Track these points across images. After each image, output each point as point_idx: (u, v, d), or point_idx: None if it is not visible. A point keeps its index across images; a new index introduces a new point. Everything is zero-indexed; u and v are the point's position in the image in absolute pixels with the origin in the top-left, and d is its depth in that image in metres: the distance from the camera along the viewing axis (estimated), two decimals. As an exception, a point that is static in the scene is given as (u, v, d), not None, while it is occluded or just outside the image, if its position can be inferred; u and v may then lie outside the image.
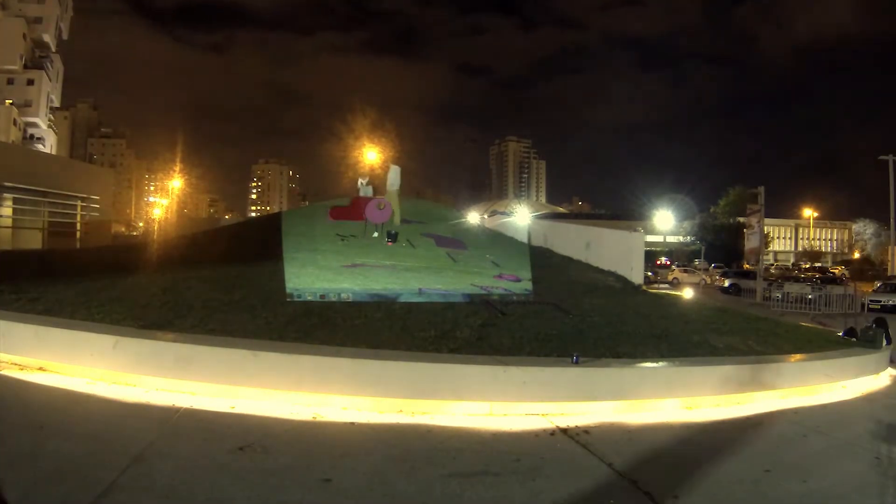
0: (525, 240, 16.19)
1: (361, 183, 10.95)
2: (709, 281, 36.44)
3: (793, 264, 62.53)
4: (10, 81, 42.01)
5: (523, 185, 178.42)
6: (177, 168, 52.58)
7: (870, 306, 18.45)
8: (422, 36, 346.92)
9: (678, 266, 42.32)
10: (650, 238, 47.08)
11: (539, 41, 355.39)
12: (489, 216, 34.58)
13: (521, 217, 24.92)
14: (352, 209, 10.87)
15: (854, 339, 8.38)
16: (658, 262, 44.28)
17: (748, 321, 9.18)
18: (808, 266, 56.12)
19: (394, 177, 10.57)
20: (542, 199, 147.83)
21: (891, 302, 19.74)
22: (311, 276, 7.61)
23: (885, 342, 8.14)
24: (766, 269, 36.84)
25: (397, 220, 10.34)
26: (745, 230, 28.91)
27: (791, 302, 18.23)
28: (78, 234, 21.84)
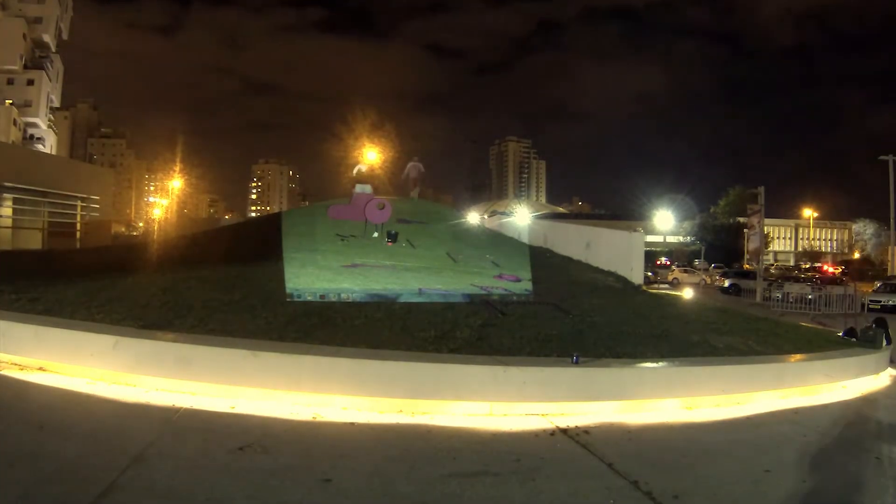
0: (525, 240, 16.19)
1: (360, 188, 10.73)
2: (709, 281, 36.45)
3: (794, 265, 62.54)
4: (10, 81, 42.04)
5: (523, 185, 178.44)
6: (176, 168, 52.62)
7: (870, 306, 18.46)
8: (382, 15, 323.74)
9: (678, 266, 42.33)
10: (650, 238, 47.07)
11: (511, 17, 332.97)
12: (489, 216, 34.57)
13: (521, 217, 24.90)
14: (352, 209, 10.86)
15: (854, 340, 8.38)
16: (658, 263, 44.33)
17: (748, 321, 9.18)
18: (807, 266, 56.13)
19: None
20: (542, 199, 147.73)
21: (891, 302, 19.75)
22: (311, 276, 7.60)
23: (885, 342, 8.14)
24: (766, 269, 36.83)
25: None
26: (745, 230, 28.93)
27: (791, 302, 18.22)
28: (78, 234, 21.85)
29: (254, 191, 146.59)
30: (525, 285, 8.44)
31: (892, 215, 35.58)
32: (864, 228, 69.77)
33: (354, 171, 10.95)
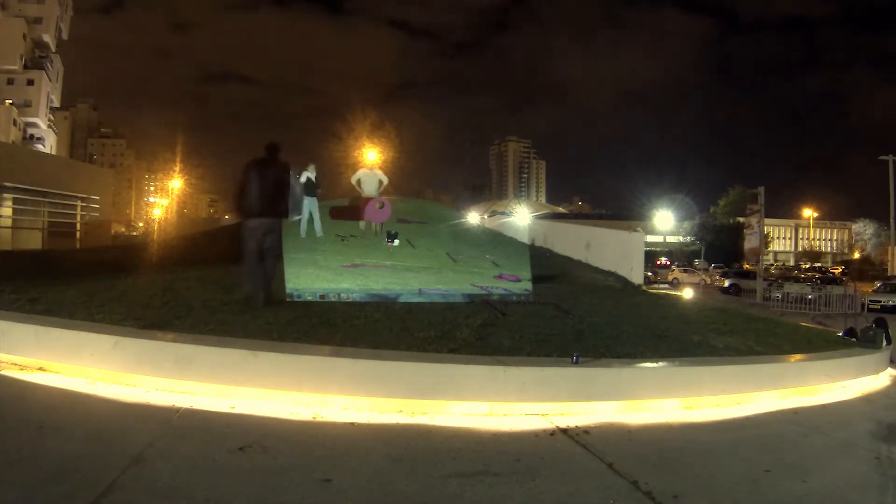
0: (525, 240, 16.20)
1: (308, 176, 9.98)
2: (709, 281, 36.48)
3: (794, 265, 62.50)
4: (10, 81, 42.09)
5: (523, 185, 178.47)
6: (176, 168, 52.58)
7: (870, 306, 18.48)
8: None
9: (678, 266, 42.34)
10: (650, 238, 47.11)
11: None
12: (489, 216, 34.61)
13: (520, 217, 24.92)
14: (351, 209, 10.87)
15: (854, 340, 8.38)
16: (658, 262, 44.37)
17: (748, 321, 9.19)
18: (807, 266, 56.16)
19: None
20: (542, 199, 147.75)
21: (891, 302, 19.76)
22: (311, 276, 7.61)
23: (885, 342, 8.14)
24: (766, 269, 36.82)
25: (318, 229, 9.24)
26: (744, 230, 28.95)
27: (791, 302, 18.25)
28: (78, 234, 21.88)
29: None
30: (525, 285, 8.45)
31: (892, 215, 35.61)
32: (864, 228, 69.80)
33: (355, 178, 10.85)
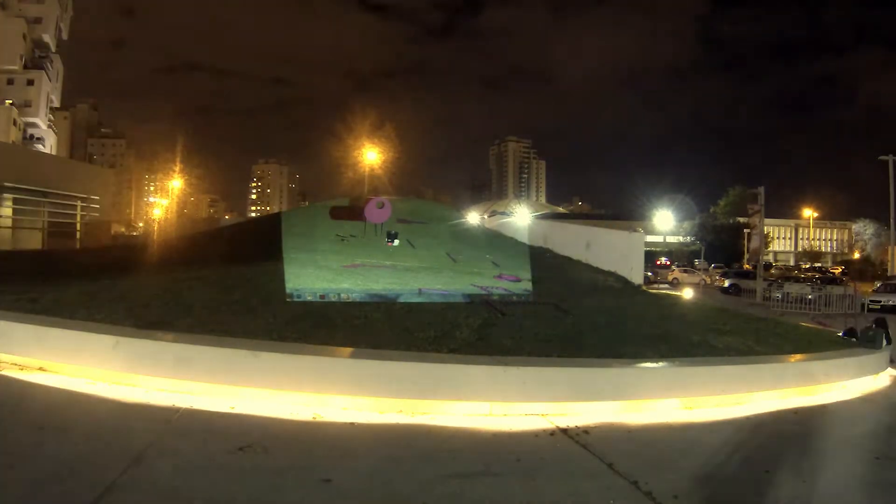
0: (525, 240, 16.19)
1: None
2: (709, 281, 36.43)
3: (794, 265, 62.53)
4: (10, 81, 42.03)
5: (523, 185, 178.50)
6: (176, 168, 52.48)
7: (870, 306, 18.46)
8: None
9: (678, 266, 42.29)
10: (650, 238, 47.07)
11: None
12: (489, 216, 34.58)
13: (520, 217, 24.93)
14: (352, 209, 10.86)
15: (854, 340, 8.38)
16: (658, 263, 44.30)
17: (748, 321, 9.18)
18: (807, 266, 56.17)
19: None
20: (542, 199, 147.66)
21: (891, 302, 19.74)
22: (311, 276, 7.60)
23: (885, 342, 8.13)
24: (767, 269, 36.80)
25: None
26: (746, 230, 28.98)
27: (791, 302, 18.24)
28: (78, 234, 21.88)
29: (254, 191, 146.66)
30: (525, 285, 8.44)
31: (892, 215, 35.58)
32: (864, 228, 69.79)
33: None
